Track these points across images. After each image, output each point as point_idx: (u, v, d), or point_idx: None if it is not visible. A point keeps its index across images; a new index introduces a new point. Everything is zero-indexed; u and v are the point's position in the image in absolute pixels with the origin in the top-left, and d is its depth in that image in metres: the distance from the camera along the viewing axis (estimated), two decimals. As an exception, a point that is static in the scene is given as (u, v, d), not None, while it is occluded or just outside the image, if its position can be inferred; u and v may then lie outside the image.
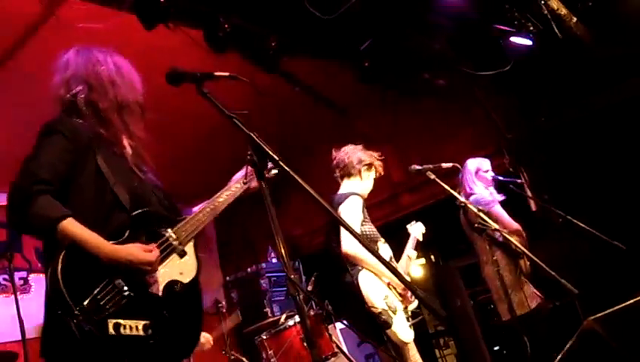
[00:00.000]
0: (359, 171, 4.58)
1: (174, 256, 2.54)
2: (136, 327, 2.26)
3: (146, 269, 2.37)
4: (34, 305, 6.36)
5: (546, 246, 5.50)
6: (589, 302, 3.90)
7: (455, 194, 4.37)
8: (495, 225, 4.16)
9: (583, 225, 4.70)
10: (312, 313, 4.75)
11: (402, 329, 4.11)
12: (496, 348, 7.97)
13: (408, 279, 4.51)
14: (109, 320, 2.19)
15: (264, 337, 4.70)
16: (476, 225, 4.28)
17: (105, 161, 2.53)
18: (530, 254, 4.12)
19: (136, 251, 2.36)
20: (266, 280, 6.86)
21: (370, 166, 4.63)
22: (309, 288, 4.92)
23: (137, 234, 2.45)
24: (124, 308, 2.25)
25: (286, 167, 2.31)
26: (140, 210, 2.49)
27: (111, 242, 2.34)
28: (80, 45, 2.83)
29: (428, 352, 8.59)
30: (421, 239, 4.84)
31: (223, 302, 5.90)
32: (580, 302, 5.26)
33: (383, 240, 4.50)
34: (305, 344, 4.51)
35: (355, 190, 4.53)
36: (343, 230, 4.21)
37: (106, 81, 2.71)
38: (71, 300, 2.14)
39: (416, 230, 4.87)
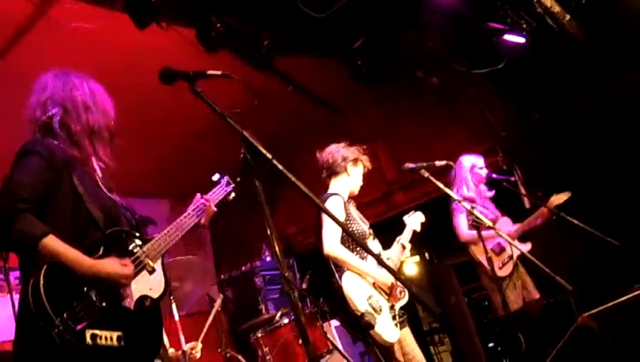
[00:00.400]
0: (345, 168, 4.50)
1: (144, 273, 2.67)
2: (111, 338, 2.40)
3: (123, 283, 2.53)
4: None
5: (539, 243, 5.52)
6: (583, 299, 3.91)
7: (449, 191, 4.36)
8: (489, 223, 4.16)
9: (577, 222, 4.72)
10: (306, 311, 4.75)
11: (386, 330, 4.03)
12: (490, 345, 7.98)
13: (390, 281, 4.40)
14: (86, 331, 2.33)
15: (259, 335, 4.71)
16: (470, 222, 4.28)
17: (80, 181, 2.67)
18: (524, 251, 4.12)
19: (114, 265, 2.52)
20: (260, 279, 6.85)
21: (355, 161, 4.55)
22: (304, 286, 4.91)
23: (111, 251, 2.58)
24: (100, 319, 2.40)
25: (279, 165, 2.31)
26: (113, 229, 2.65)
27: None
28: (58, 69, 2.95)
29: (422, 349, 8.58)
30: (419, 229, 4.70)
31: (218, 300, 5.88)
32: (575, 299, 5.30)
33: (371, 237, 4.45)
34: (300, 341, 4.52)
35: (341, 189, 4.48)
36: (324, 232, 4.17)
37: (80, 105, 2.83)
38: (52, 312, 2.27)
39: (414, 221, 4.71)
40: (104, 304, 2.44)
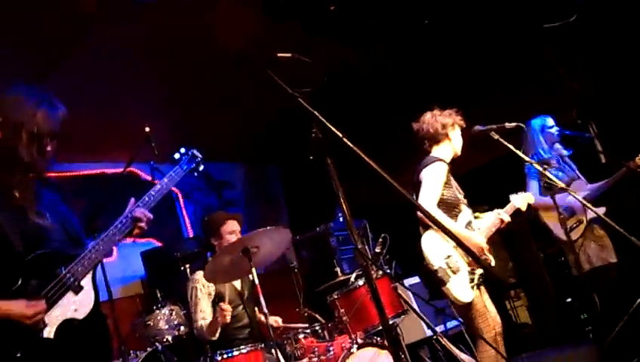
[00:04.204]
0: (446, 135, 4.69)
1: (69, 294, 2.64)
2: None
3: (28, 323, 2.45)
4: (117, 268, 6.75)
5: (616, 200, 5.43)
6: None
7: (520, 154, 4.36)
8: (562, 184, 4.14)
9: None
10: (380, 273, 4.86)
11: (459, 289, 4.23)
12: (568, 300, 7.92)
13: (483, 241, 4.47)
14: None
15: (335, 297, 4.83)
16: (543, 184, 4.27)
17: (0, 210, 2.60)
18: (599, 214, 4.07)
19: (18, 306, 2.45)
20: (334, 239, 6.99)
21: (453, 125, 4.72)
22: (377, 249, 5.02)
23: (31, 280, 2.55)
24: (15, 358, 2.39)
25: (349, 143, 2.39)
26: (34, 254, 2.57)
27: (3, 292, 2.46)
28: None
29: (498, 304, 8.57)
30: (524, 209, 4.77)
31: (295, 262, 6.06)
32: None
33: (464, 203, 4.62)
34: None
35: (444, 155, 4.67)
36: (421, 192, 4.39)
37: None
38: None
39: (520, 200, 4.77)
40: (16, 341, 2.42)
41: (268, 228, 4.24)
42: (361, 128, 4.44)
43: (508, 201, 4.74)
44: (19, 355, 2.41)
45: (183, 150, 3.28)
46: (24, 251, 2.56)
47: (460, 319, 4.53)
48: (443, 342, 5.13)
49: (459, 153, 4.76)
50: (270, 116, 7.23)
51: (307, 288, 6.47)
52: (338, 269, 6.50)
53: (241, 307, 4.86)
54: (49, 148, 2.74)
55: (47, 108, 2.72)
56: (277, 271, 6.57)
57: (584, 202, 4.06)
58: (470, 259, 4.28)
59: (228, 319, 4.44)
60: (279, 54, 2.56)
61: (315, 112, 2.43)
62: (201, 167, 3.30)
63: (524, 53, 6.60)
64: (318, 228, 7.24)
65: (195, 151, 3.32)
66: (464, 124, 4.77)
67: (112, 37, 5.06)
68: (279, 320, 5.08)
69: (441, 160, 4.58)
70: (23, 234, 2.60)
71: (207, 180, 8.16)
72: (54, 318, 2.55)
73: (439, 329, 5.82)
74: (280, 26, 4.85)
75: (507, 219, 4.63)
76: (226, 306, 4.44)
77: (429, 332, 6.03)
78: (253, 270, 4.22)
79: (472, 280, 4.30)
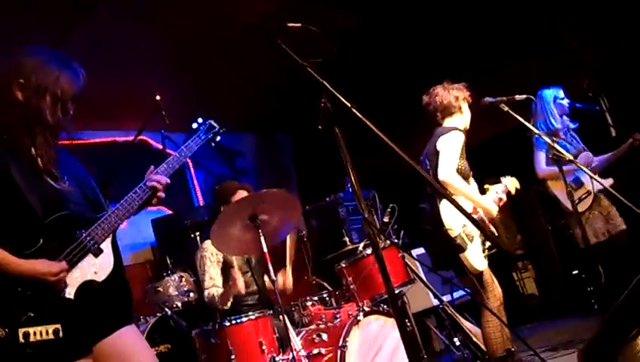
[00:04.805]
0: (459, 107, 4.73)
1: (89, 257, 2.64)
2: (46, 332, 2.43)
3: (51, 281, 2.47)
4: (128, 235, 6.82)
5: (626, 172, 5.43)
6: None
7: (529, 126, 4.36)
8: (570, 156, 4.15)
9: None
10: (388, 243, 4.90)
11: (475, 257, 4.35)
12: (575, 272, 7.98)
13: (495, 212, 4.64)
14: (19, 329, 2.38)
15: (343, 265, 4.89)
16: (551, 156, 4.29)
17: (18, 172, 2.58)
18: (606, 186, 4.08)
19: (41, 264, 2.48)
20: (344, 209, 7.01)
21: (464, 99, 4.78)
22: (386, 219, 5.05)
23: (51, 241, 2.57)
24: (33, 317, 2.43)
25: (358, 114, 2.41)
26: (53, 216, 2.59)
27: (24, 253, 2.48)
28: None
29: (506, 275, 8.64)
30: (513, 192, 4.90)
31: (304, 231, 6.09)
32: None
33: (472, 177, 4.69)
34: (382, 272, 4.70)
35: (459, 125, 4.71)
36: (441, 159, 4.44)
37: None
38: None
39: (510, 183, 4.91)
40: (36, 301, 2.45)
41: (275, 189, 4.22)
42: (370, 98, 4.44)
43: (514, 173, 4.83)
44: (40, 313, 2.44)
45: (200, 120, 3.30)
46: (43, 213, 2.56)
47: (466, 289, 4.60)
48: (449, 311, 5.18)
49: (468, 127, 4.80)
50: (281, 85, 7.23)
51: (316, 257, 6.53)
52: (347, 239, 6.53)
53: (249, 274, 4.90)
54: (71, 112, 2.75)
55: (69, 72, 2.72)
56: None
57: (591, 174, 4.06)
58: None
59: (242, 290, 4.47)
60: (289, 24, 2.57)
61: (325, 82, 2.44)
62: (218, 138, 3.31)
63: (537, 25, 6.55)
64: (327, 198, 7.26)
65: (212, 122, 3.33)
66: (471, 99, 4.81)
67: (123, 5, 5.08)
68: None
69: (457, 129, 4.63)
70: (42, 196, 2.60)
71: (219, 149, 8.20)
72: (74, 279, 2.57)
73: (446, 298, 5.87)
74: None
75: (504, 198, 4.77)
76: (237, 274, 4.46)
77: (435, 302, 6.11)
78: (262, 238, 4.21)
79: (483, 251, 4.44)
